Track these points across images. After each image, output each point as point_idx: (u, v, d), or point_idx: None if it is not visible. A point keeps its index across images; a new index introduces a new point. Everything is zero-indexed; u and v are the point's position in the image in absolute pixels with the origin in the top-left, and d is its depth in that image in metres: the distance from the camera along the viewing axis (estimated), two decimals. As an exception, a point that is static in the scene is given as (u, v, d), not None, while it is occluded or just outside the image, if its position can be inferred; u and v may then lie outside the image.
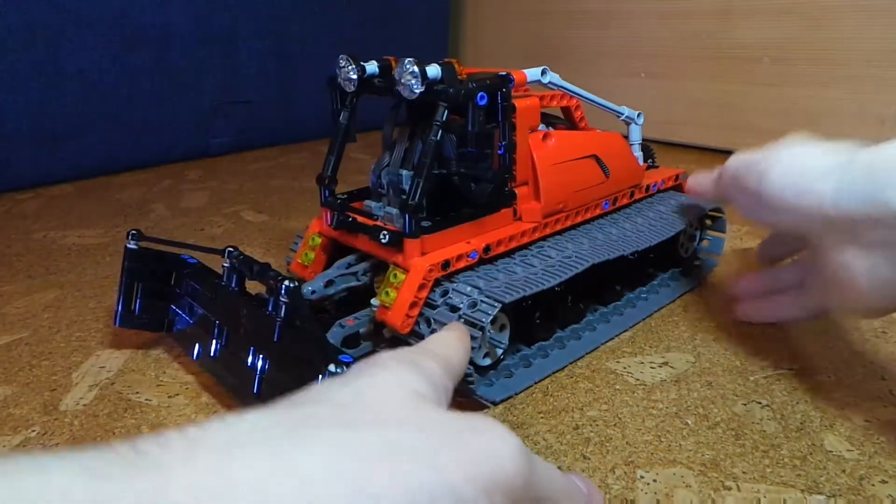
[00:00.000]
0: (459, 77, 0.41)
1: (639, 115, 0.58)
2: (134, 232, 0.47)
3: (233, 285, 0.43)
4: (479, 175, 0.44)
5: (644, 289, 0.55)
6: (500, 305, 0.38)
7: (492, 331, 0.42)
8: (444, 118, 0.40)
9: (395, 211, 0.43)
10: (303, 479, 0.16)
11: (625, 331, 0.50)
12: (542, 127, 0.49)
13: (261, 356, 0.38)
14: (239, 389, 0.40)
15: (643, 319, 0.51)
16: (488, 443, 0.20)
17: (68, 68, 0.93)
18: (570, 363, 0.45)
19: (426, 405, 0.22)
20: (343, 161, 0.47)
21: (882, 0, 0.86)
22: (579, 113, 0.55)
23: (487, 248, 0.44)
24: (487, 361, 0.43)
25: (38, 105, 0.91)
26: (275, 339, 0.38)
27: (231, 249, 0.44)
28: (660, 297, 0.54)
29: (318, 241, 0.49)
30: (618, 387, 0.43)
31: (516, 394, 0.42)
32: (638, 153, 0.58)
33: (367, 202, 0.47)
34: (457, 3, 1.45)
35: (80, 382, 0.45)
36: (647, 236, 0.51)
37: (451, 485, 0.18)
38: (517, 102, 0.45)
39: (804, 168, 0.38)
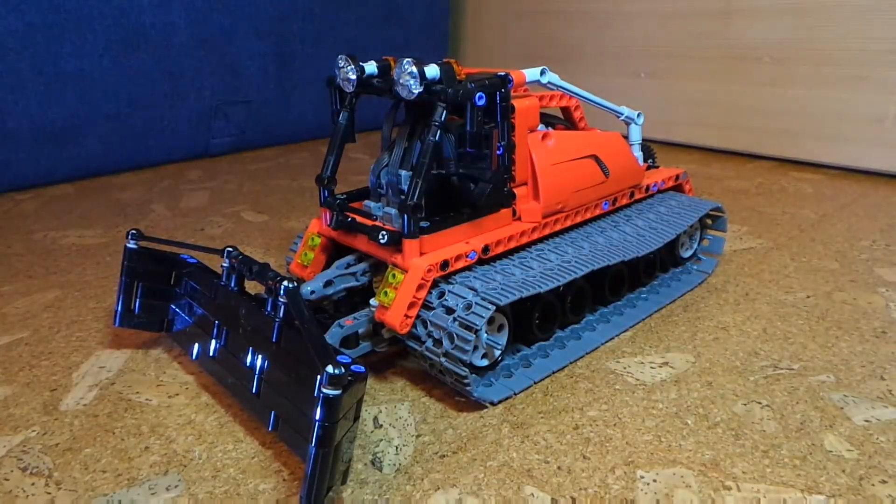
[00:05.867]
0: (458, 77, 0.41)
1: (639, 115, 0.58)
2: (134, 232, 0.47)
3: (232, 285, 0.43)
4: (478, 175, 0.44)
5: (644, 289, 0.55)
6: (493, 308, 0.38)
7: (488, 332, 0.42)
8: (442, 118, 0.40)
9: (394, 211, 0.43)
10: None
11: (625, 331, 0.50)
12: (541, 127, 0.49)
13: (260, 356, 0.39)
14: (238, 389, 0.40)
15: (643, 319, 0.51)
16: None
17: (68, 68, 0.93)
18: (570, 363, 0.45)
19: None
20: (343, 161, 0.47)
21: (882, 0, 0.86)
22: (579, 113, 0.55)
23: (486, 249, 0.44)
24: (485, 362, 0.43)
25: (38, 105, 0.91)
26: (273, 340, 0.38)
27: (230, 249, 0.44)
28: (660, 297, 0.54)
29: (318, 241, 0.49)
30: (618, 387, 0.43)
31: (516, 394, 0.42)
32: (638, 153, 0.58)
33: (366, 202, 0.47)
34: (457, 3, 1.45)
35: (80, 382, 0.45)
36: (649, 240, 0.51)
37: None
38: (516, 103, 0.45)
39: None
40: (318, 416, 0.29)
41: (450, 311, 0.39)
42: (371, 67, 0.44)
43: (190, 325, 0.46)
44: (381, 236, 0.41)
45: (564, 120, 0.55)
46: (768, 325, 0.50)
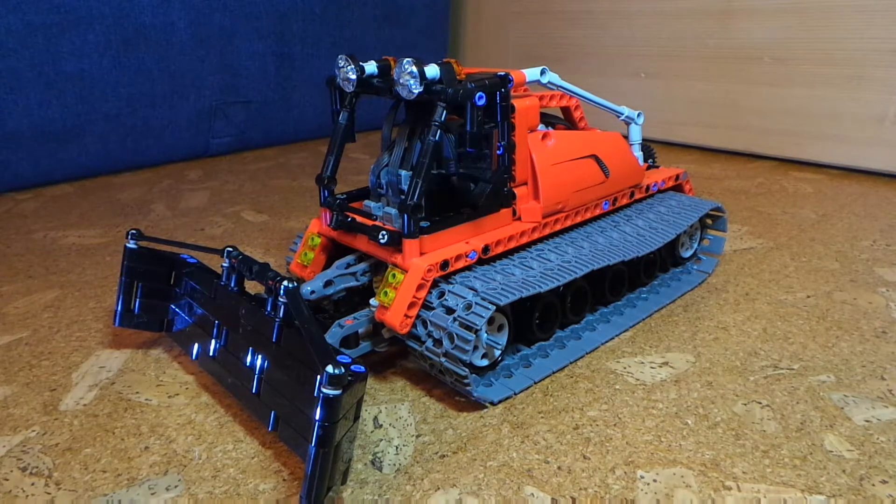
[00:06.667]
0: (458, 77, 0.41)
1: (639, 115, 0.58)
2: (134, 231, 0.47)
3: (232, 285, 0.43)
4: (478, 175, 0.44)
5: (644, 289, 0.55)
6: (493, 308, 0.38)
7: (488, 332, 0.42)
8: (442, 118, 0.40)
9: (394, 211, 0.43)
10: None
11: (625, 331, 0.50)
12: (541, 127, 0.49)
13: (260, 356, 0.39)
14: (238, 389, 0.40)
15: (643, 319, 0.51)
16: None
17: (68, 68, 0.93)
18: (570, 363, 0.45)
19: None
20: (343, 161, 0.47)
21: (882, 0, 0.86)
22: (579, 113, 0.55)
23: (486, 249, 0.44)
24: (485, 362, 0.43)
25: (38, 105, 0.91)
26: (273, 340, 0.38)
27: (230, 249, 0.44)
28: (660, 297, 0.54)
29: (318, 241, 0.49)
30: (618, 387, 0.43)
31: (516, 394, 0.42)
32: (638, 153, 0.58)
33: (366, 202, 0.47)
34: (457, 3, 1.45)
35: (80, 382, 0.45)
36: (648, 240, 0.51)
37: None
38: (516, 102, 0.45)
39: None
40: (318, 416, 0.29)
41: (450, 311, 0.39)
42: (371, 67, 0.44)
43: (190, 325, 0.46)
44: (381, 236, 0.41)
45: (564, 120, 0.55)
46: (768, 325, 0.50)
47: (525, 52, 1.34)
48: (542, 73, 0.49)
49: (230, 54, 1.09)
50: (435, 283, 0.41)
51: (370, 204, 0.46)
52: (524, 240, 0.46)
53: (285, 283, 0.37)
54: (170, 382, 0.45)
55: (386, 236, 0.41)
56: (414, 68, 0.40)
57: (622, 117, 0.58)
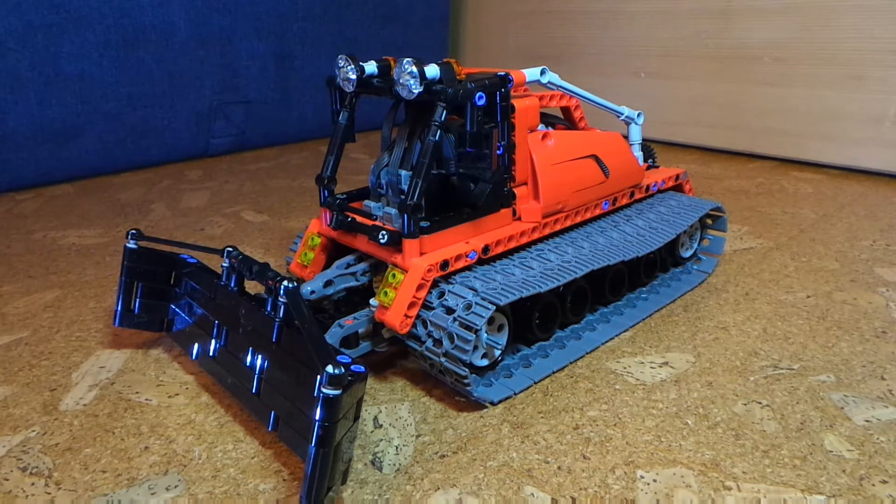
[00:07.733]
0: (458, 77, 0.41)
1: (639, 115, 0.58)
2: (134, 231, 0.47)
3: (232, 285, 0.43)
4: (478, 175, 0.44)
5: (644, 289, 0.55)
6: (493, 308, 0.38)
7: (488, 332, 0.42)
8: (442, 118, 0.40)
9: (394, 211, 0.43)
10: None
11: (625, 331, 0.50)
12: (541, 127, 0.49)
13: (260, 356, 0.39)
14: (238, 389, 0.40)
15: (643, 319, 0.51)
16: None
17: (68, 68, 0.93)
18: (570, 363, 0.45)
19: None
20: (343, 161, 0.47)
21: (882, 0, 0.86)
22: (579, 113, 0.55)
23: (486, 249, 0.44)
24: (485, 362, 0.43)
25: (38, 105, 0.91)
26: (273, 340, 0.38)
27: (230, 249, 0.44)
28: (660, 297, 0.54)
29: (318, 241, 0.49)
30: (618, 387, 0.43)
31: (516, 394, 0.42)
32: (638, 153, 0.58)
33: (366, 202, 0.47)
34: (457, 2, 1.45)
35: (80, 382, 0.45)
36: (648, 240, 0.51)
37: None
38: (516, 102, 0.45)
39: None
40: (318, 416, 0.29)
41: (450, 311, 0.39)
42: (371, 67, 0.44)
43: (190, 325, 0.46)
44: (381, 236, 0.41)
45: (564, 120, 0.55)
46: (768, 324, 0.50)
47: (525, 52, 1.34)
48: (542, 73, 0.49)
49: (230, 54, 1.09)
50: (435, 283, 0.41)
51: (370, 204, 0.46)
52: (524, 240, 0.46)
53: (285, 283, 0.37)
54: (170, 382, 0.45)
55: (386, 236, 0.41)
56: (414, 68, 0.40)
57: (622, 117, 0.58)
